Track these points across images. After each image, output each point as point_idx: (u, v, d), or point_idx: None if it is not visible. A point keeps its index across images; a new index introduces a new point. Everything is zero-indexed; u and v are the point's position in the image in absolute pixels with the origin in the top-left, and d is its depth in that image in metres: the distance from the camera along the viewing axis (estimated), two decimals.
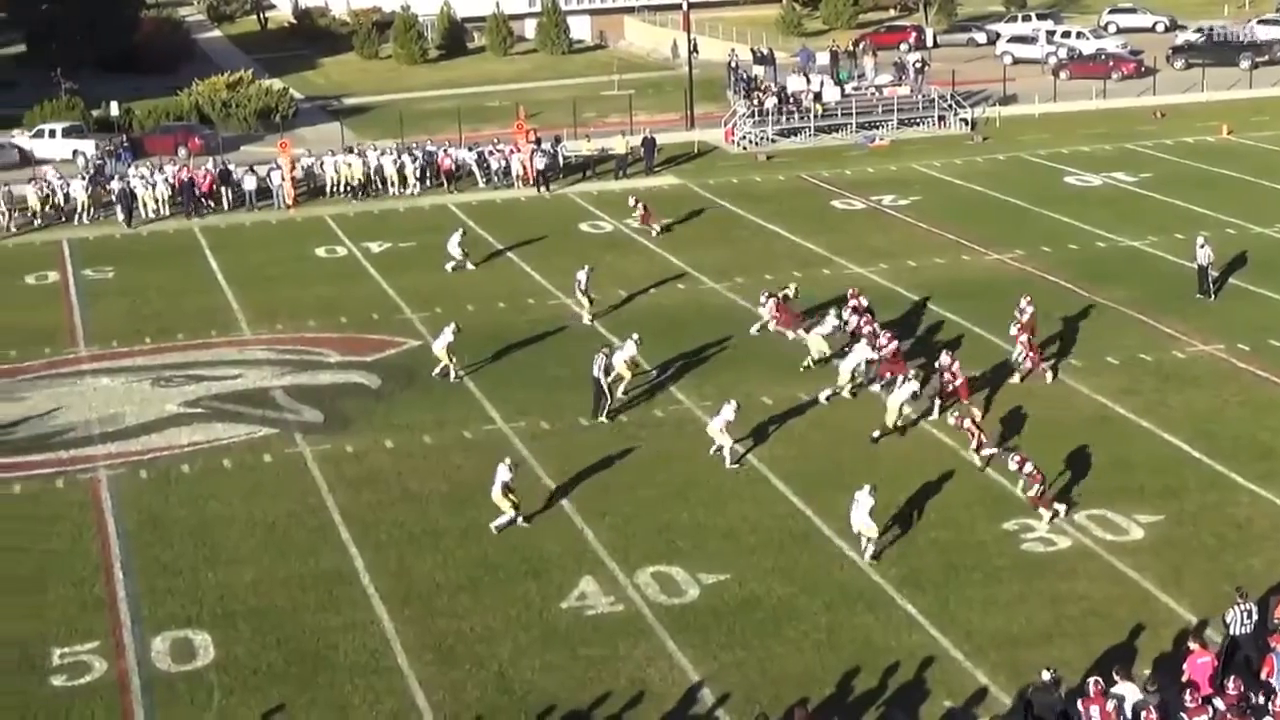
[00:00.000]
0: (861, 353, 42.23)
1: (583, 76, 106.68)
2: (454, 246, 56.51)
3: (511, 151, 71.91)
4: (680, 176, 72.38)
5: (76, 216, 67.02)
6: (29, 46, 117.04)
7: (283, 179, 68.70)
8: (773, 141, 78.58)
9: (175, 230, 65.32)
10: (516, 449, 39.41)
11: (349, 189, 69.77)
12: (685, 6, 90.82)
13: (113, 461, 39.92)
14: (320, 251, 60.70)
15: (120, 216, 66.35)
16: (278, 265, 58.65)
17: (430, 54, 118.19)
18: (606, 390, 41.39)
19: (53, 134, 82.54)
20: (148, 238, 64.34)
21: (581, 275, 49.69)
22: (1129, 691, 25.22)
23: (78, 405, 44.16)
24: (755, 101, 79.80)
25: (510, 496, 34.74)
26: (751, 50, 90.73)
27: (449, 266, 56.20)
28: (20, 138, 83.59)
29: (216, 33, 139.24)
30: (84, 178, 69.51)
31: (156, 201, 67.63)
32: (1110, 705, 24.82)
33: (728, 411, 37.79)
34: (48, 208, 67.34)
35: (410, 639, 30.33)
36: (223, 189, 68.85)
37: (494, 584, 32.43)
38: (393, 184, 70.18)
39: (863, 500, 32.86)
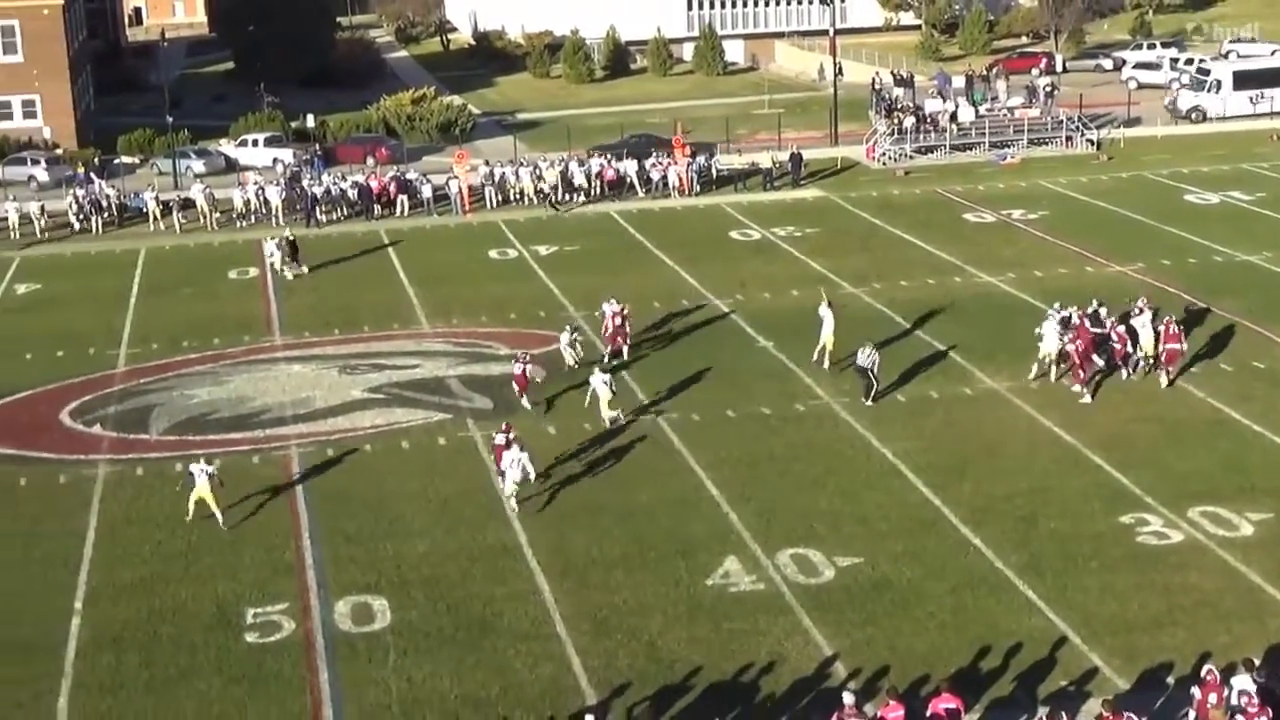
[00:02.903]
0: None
1: (735, 96, 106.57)
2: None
3: (669, 164, 72.04)
4: (824, 189, 72.04)
5: (274, 218, 68.07)
6: (236, 64, 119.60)
7: (460, 187, 69.27)
8: (910, 158, 78.01)
9: (363, 232, 66.08)
10: (668, 438, 39.47)
11: (540, 195, 70.11)
12: (832, 32, 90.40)
13: (303, 441, 40.46)
14: (493, 253, 61.12)
15: (307, 219, 67.44)
16: (454, 265, 59.15)
17: (596, 74, 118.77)
18: (874, 377, 41.30)
19: (255, 143, 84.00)
20: (337, 238, 65.13)
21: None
22: (1247, 684, 24.65)
23: (273, 389, 44.82)
24: (895, 121, 79.30)
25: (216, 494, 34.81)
26: (892, 73, 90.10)
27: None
28: (226, 146, 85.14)
29: (404, 53, 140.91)
30: (281, 183, 70.58)
31: (345, 206, 68.76)
32: (1225, 693, 24.34)
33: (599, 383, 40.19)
34: (249, 210, 68.56)
35: (568, 609, 30.43)
36: (400, 196, 69.53)
37: (645, 561, 32.46)
38: (562, 192, 70.58)
39: (826, 315, 43.45)
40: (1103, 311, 43.58)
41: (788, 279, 55.01)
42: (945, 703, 24.54)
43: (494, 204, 69.86)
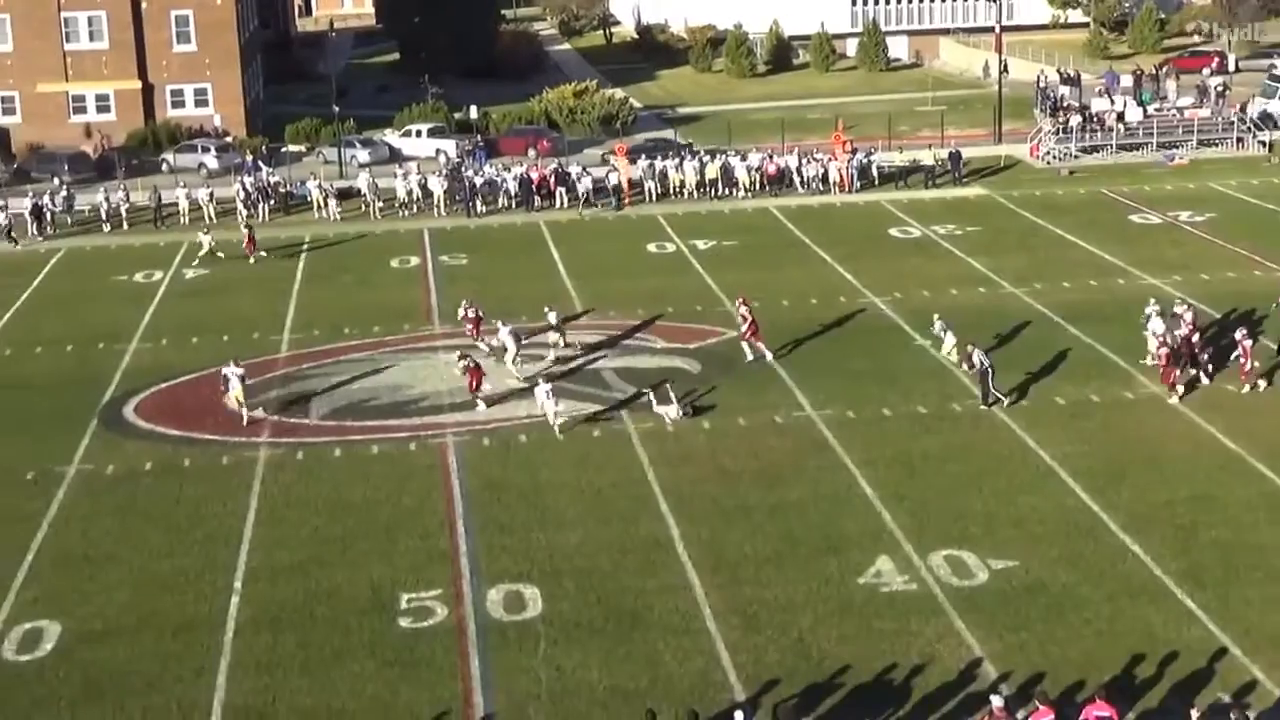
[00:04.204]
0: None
1: (898, 92, 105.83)
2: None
3: (829, 160, 71.74)
4: (986, 187, 71.30)
5: (436, 208, 68.83)
6: (402, 55, 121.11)
7: (619, 180, 69.48)
8: (1075, 157, 76.95)
9: (523, 223, 66.57)
10: (823, 434, 39.30)
11: (700, 188, 70.31)
12: (998, 29, 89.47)
13: (459, 429, 40.85)
14: (651, 247, 61.30)
15: (467, 209, 68.08)
16: (612, 258, 59.40)
17: (758, 69, 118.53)
18: (989, 381, 40.98)
19: (419, 134, 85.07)
20: (498, 229, 65.69)
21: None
22: None
23: (431, 377, 45.32)
24: (1061, 119, 78.29)
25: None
26: (1059, 71, 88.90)
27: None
28: (391, 136, 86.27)
29: (566, 46, 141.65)
30: (443, 173, 71.31)
31: (506, 197, 69.31)
32: None
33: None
34: (411, 199, 69.39)
35: (718, 604, 30.43)
36: (559, 188, 69.88)
37: (797, 558, 32.37)
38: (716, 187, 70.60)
39: (947, 336, 44.08)
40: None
41: (947, 277, 54.49)
42: (1099, 710, 24.20)
43: (653, 197, 70.03)
